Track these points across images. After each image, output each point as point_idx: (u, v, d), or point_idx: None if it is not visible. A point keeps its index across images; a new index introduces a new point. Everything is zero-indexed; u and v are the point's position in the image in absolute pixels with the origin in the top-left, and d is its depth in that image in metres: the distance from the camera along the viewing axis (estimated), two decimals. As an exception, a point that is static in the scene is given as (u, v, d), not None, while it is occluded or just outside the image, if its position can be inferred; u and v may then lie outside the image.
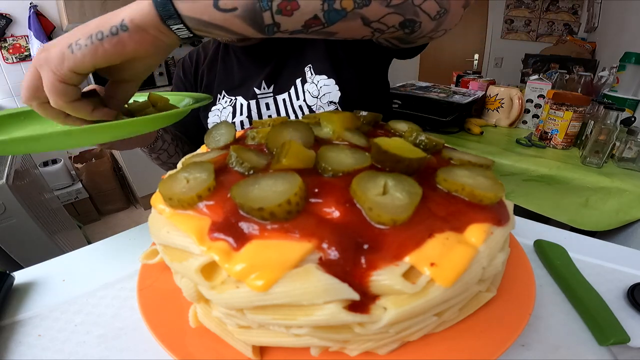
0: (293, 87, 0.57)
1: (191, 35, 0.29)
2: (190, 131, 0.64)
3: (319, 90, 0.55)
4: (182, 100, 0.45)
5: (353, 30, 0.30)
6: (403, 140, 0.27)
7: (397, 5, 0.29)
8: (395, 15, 0.30)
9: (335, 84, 0.54)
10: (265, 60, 0.58)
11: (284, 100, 0.57)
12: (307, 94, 0.55)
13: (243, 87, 0.59)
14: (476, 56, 2.98)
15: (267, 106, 0.58)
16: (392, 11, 0.29)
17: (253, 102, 0.58)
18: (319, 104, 0.55)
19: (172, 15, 0.27)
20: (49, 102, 0.29)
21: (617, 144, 0.91)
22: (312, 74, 0.55)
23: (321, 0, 0.27)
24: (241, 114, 0.58)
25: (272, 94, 0.58)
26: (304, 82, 0.56)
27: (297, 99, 0.56)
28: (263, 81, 0.58)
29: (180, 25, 0.27)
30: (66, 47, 0.27)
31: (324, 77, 0.55)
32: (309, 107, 0.55)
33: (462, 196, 0.24)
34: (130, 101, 0.42)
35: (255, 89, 0.58)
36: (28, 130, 0.40)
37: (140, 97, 0.45)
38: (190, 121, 0.62)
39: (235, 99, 0.59)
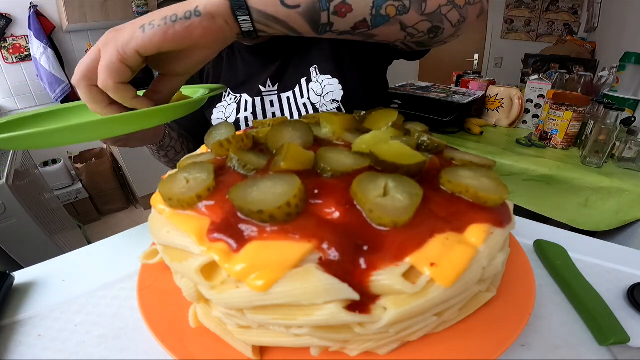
0: (298, 85, 0.58)
1: (252, 29, 0.31)
2: (194, 129, 0.66)
3: (323, 89, 0.57)
4: (196, 92, 0.46)
5: (391, 33, 0.35)
6: (401, 144, 0.27)
7: (429, 14, 0.34)
8: (426, 22, 0.35)
9: (339, 83, 0.56)
10: (270, 60, 0.60)
11: (288, 98, 0.59)
12: (311, 92, 0.57)
13: (247, 85, 0.61)
14: (476, 56, 2.98)
15: (272, 103, 0.59)
16: (425, 19, 0.34)
17: (258, 99, 0.59)
18: (322, 102, 0.56)
19: (243, 6, 0.29)
20: (97, 86, 0.30)
21: (617, 144, 0.91)
22: (317, 74, 0.57)
23: (370, 6, 0.31)
24: (246, 110, 0.60)
25: (276, 92, 0.59)
26: (309, 81, 0.58)
27: (302, 97, 0.58)
28: (268, 79, 0.59)
29: (247, 17, 0.30)
30: (138, 27, 0.29)
31: (329, 76, 0.57)
32: (312, 104, 0.57)
33: (466, 198, 0.24)
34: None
35: (260, 86, 0.60)
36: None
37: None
38: (194, 119, 0.63)
39: (240, 96, 0.61)
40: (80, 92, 0.31)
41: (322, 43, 0.57)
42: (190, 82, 0.66)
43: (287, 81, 0.59)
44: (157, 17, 0.29)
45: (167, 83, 0.34)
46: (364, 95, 0.58)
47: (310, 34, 0.33)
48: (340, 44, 0.57)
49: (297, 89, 0.58)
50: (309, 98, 0.57)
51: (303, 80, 0.58)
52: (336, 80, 0.56)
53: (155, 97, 0.34)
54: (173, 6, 0.29)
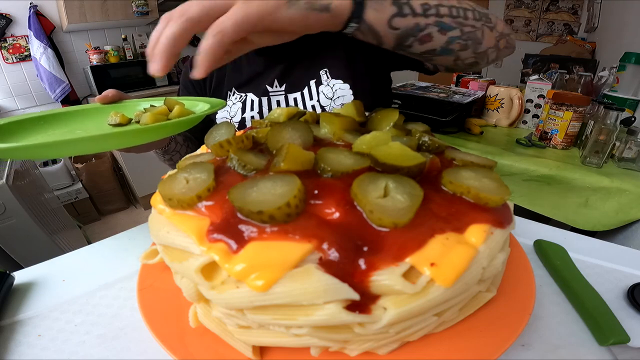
0: (307, 87, 0.59)
1: (350, 33, 0.35)
2: (198, 130, 0.65)
3: (333, 92, 0.58)
4: (196, 105, 0.47)
5: (444, 61, 0.42)
6: (401, 145, 0.26)
7: (479, 53, 0.42)
8: (473, 58, 0.42)
9: (350, 88, 0.57)
10: (276, 60, 0.60)
11: (295, 99, 0.59)
12: (321, 95, 0.58)
13: (253, 84, 0.61)
14: (476, 56, 2.97)
15: (278, 103, 0.60)
16: (474, 56, 0.42)
17: (265, 99, 0.60)
18: (332, 105, 0.57)
19: (359, 16, 0.33)
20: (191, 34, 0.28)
21: (617, 144, 0.91)
22: (328, 77, 0.58)
23: (445, 41, 0.38)
24: (252, 109, 0.60)
25: (283, 92, 0.60)
26: (318, 84, 0.58)
27: (311, 98, 0.59)
28: (275, 79, 0.60)
29: (356, 25, 0.34)
30: (285, 2, 0.29)
31: (340, 81, 0.58)
32: (322, 107, 0.58)
33: (467, 198, 0.23)
34: (147, 106, 0.46)
35: (267, 86, 0.60)
36: (50, 135, 0.41)
37: (156, 102, 0.46)
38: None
39: (246, 95, 0.61)
40: (172, 24, 0.28)
41: (336, 49, 0.59)
42: (191, 86, 0.66)
43: (295, 82, 0.59)
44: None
45: (245, 47, 0.33)
46: (372, 98, 0.59)
47: (389, 47, 0.38)
48: (356, 52, 0.58)
49: (305, 91, 0.59)
50: (318, 100, 0.58)
51: (312, 83, 0.58)
52: (347, 86, 0.57)
53: (229, 55, 0.33)
54: None
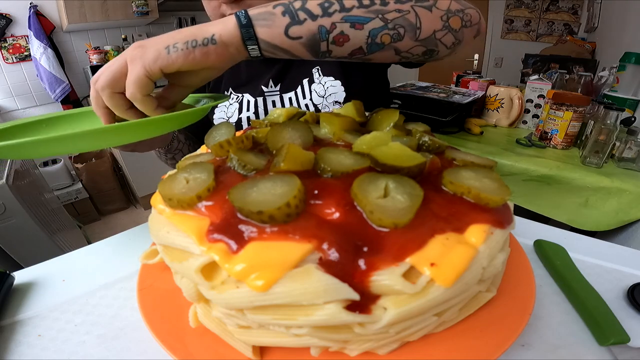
0: (300, 86, 0.59)
1: (259, 55, 0.34)
2: (196, 129, 0.66)
3: (325, 90, 0.57)
4: (199, 101, 0.46)
5: (385, 57, 0.37)
6: (401, 145, 0.26)
7: (423, 39, 0.35)
8: (420, 47, 0.36)
9: (342, 85, 0.57)
10: (273, 60, 0.60)
11: (290, 98, 0.59)
12: (314, 93, 0.58)
13: (250, 85, 0.61)
14: (476, 56, 2.97)
15: (274, 103, 0.60)
16: (419, 44, 0.36)
17: (260, 99, 0.60)
18: (324, 103, 0.57)
19: (251, 38, 0.32)
20: (119, 93, 0.33)
21: (617, 144, 0.91)
22: (320, 75, 0.58)
23: (366, 36, 0.33)
24: (248, 110, 0.60)
25: (278, 92, 0.60)
26: (311, 82, 0.58)
27: (304, 97, 0.58)
28: (271, 79, 0.60)
29: (255, 47, 0.33)
30: (163, 47, 0.31)
31: (332, 78, 0.57)
32: (315, 105, 0.58)
33: (467, 198, 0.23)
34: None
35: (262, 86, 0.60)
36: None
37: None
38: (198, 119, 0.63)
39: (242, 95, 0.61)
40: (104, 97, 0.33)
41: None
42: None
43: (289, 81, 0.59)
44: (179, 40, 0.32)
45: (176, 92, 0.37)
46: (366, 96, 0.58)
47: (311, 58, 0.35)
48: None
49: (299, 90, 0.59)
50: (311, 99, 0.58)
51: (305, 81, 0.58)
52: (339, 82, 0.57)
53: (164, 103, 0.36)
54: (189, 30, 0.32)
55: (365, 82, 0.59)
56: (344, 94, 0.56)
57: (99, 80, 0.32)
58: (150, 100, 0.33)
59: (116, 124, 0.31)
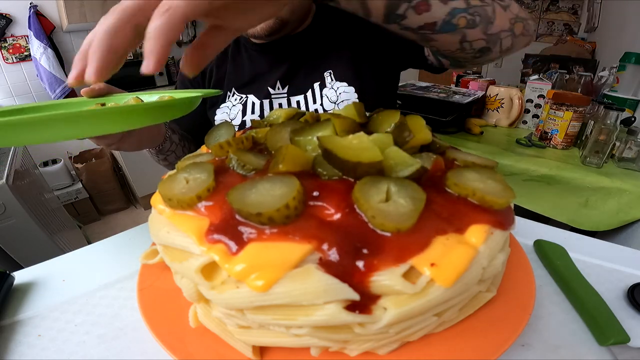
0: (310, 90, 0.57)
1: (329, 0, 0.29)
2: (195, 130, 0.64)
3: (337, 96, 0.55)
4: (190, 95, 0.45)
5: (448, 42, 0.35)
6: (398, 149, 0.26)
7: (490, 34, 0.35)
8: (483, 41, 0.36)
9: (355, 92, 0.55)
10: (278, 60, 0.58)
11: (297, 102, 0.57)
12: (325, 98, 0.56)
13: (254, 85, 0.59)
14: (476, 56, 2.97)
15: (280, 106, 0.58)
16: (484, 38, 0.35)
17: (266, 102, 0.58)
18: (336, 109, 0.55)
19: None
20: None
21: (617, 144, 0.91)
22: (332, 80, 0.56)
23: (448, 12, 0.32)
24: (253, 112, 0.58)
25: (286, 95, 0.58)
26: (322, 86, 0.56)
27: (314, 102, 0.57)
28: (278, 81, 0.58)
29: None
30: None
31: (345, 84, 0.56)
32: (325, 111, 0.56)
33: (472, 200, 0.23)
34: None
35: (269, 88, 0.58)
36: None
37: (145, 96, 0.44)
38: (196, 120, 0.61)
39: (247, 97, 0.59)
40: (118, 11, 0.23)
41: (342, 48, 0.56)
42: (190, 85, 0.65)
43: (298, 84, 0.58)
44: None
45: (221, 36, 0.27)
46: (378, 102, 0.57)
47: (378, 19, 0.32)
48: (362, 52, 0.56)
49: (309, 94, 0.57)
50: (321, 104, 0.56)
51: (316, 85, 0.56)
52: (352, 89, 0.55)
53: (206, 51, 0.27)
54: None
55: (377, 88, 0.58)
56: (357, 101, 0.55)
57: (118, 10, 0.23)
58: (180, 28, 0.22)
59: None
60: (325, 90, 0.56)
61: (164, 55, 0.22)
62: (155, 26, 0.21)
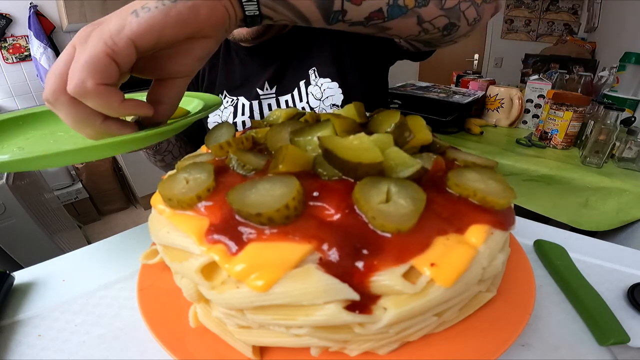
0: (296, 88, 0.57)
1: (257, 12, 0.27)
2: (190, 132, 0.64)
3: (322, 92, 0.55)
4: (191, 102, 0.45)
5: (406, 27, 0.33)
6: (399, 150, 0.26)
7: (448, 9, 0.32)
8: (444, 17, 0.33)
9: (339, 87, 0.55)
10: (269, 61, 0.58)
11: (286, 101, 0.57)
12: (310, 96, 0.56)
13: (245, 87, 0.59)
14: (476, 56, 2.98)
15: (270, 107, 0.58)
16: (443, 14, 0.32)
17: (255, 103, 0.58)
18: (321, 106, 0.55)
19: None
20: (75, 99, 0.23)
21: (617, 144, 0.91)
22: (316, 77, 0.56)
23: None
24: (243, 114, 0.58)
25: (274, 95, 0.58)
26: (307, 84, 0.56)
27: (300, 100, 0.57)
28: (266, 82, 0.58)
29: (255, 2, 0.26)
30: (129, 13, 0.23)
31: (328, 80, 0.55)
32: (311, 109, 0.56)
33: (473, 201, 0.23)
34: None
35: (258, 89, 0.58)
36: (29, 138, 0.38)
37: (142, 97, 0.44)
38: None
39: (237, 99, 0.59)
40: (61, 111, 0.23)
41: (323, 43, 0.56)
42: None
43: (285, 84, 0.58)
44: (150, 0, 0.23)
45: (168, 89, 0.27)
46: (364, 98, 0.57)
47: (319, 22, 0.29)
48: (342, 44, 0.56)
49: (295, 92, 0.57)
50: (307, 102, 0.56)
51: (302, 84, 0.57)
52: (336, 84, 0.55)
53: (163, 105, 0.28)
54: None
55: (363, 83, 0.58)
56: (341, 97, 0.54)
57: (45, 88, 0.23)
58: (111, 91, 0.23)
59: (98, 143, 0.26)
60: (310, 88, 0.56)
61: (118, 111, 0.24)
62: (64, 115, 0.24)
